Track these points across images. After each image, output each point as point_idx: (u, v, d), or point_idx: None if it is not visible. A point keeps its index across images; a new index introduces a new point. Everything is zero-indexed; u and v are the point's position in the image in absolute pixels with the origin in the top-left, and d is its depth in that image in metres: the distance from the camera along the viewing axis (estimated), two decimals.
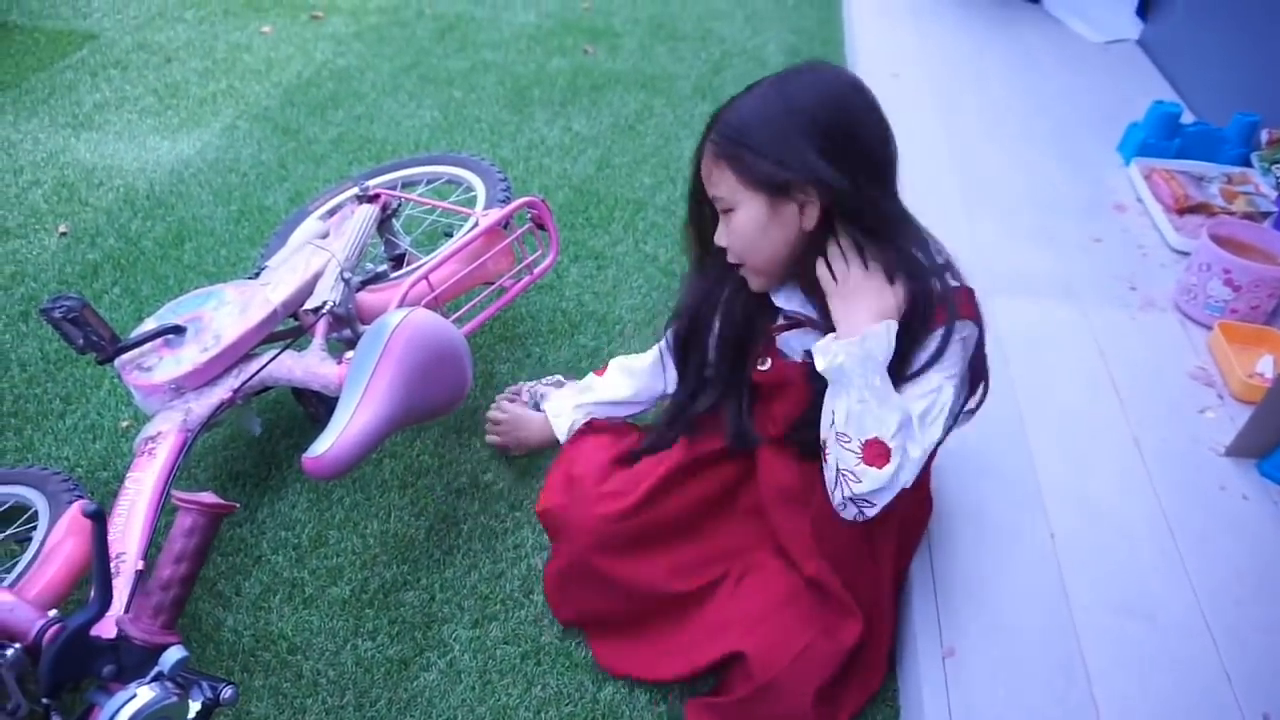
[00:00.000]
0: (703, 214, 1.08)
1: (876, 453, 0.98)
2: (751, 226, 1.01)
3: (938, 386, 1.00)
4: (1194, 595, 1.21)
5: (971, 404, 1.11)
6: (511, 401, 1.52)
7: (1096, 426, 1.47)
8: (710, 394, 1.21)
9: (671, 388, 1.30)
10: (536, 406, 1.50)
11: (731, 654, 1.11)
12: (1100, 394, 1.53)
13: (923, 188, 2.10)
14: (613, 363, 1.39)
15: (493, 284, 1.52)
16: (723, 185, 1.00)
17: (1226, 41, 2.36)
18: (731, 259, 1.06)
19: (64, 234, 2.03)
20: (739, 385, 1.18)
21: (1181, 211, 1.96)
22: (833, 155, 0.94)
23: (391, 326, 1.20)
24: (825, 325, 1.04)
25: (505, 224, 1.51)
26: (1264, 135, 1.92)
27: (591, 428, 1.35)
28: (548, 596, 1.28)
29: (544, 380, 1.57)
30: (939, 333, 0.99)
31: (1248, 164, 2.10)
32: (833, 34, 3.14)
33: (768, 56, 2.96)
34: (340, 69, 2.80)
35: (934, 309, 0.99)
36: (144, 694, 0.75)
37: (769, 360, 1.13)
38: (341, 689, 1.19)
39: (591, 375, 1.41)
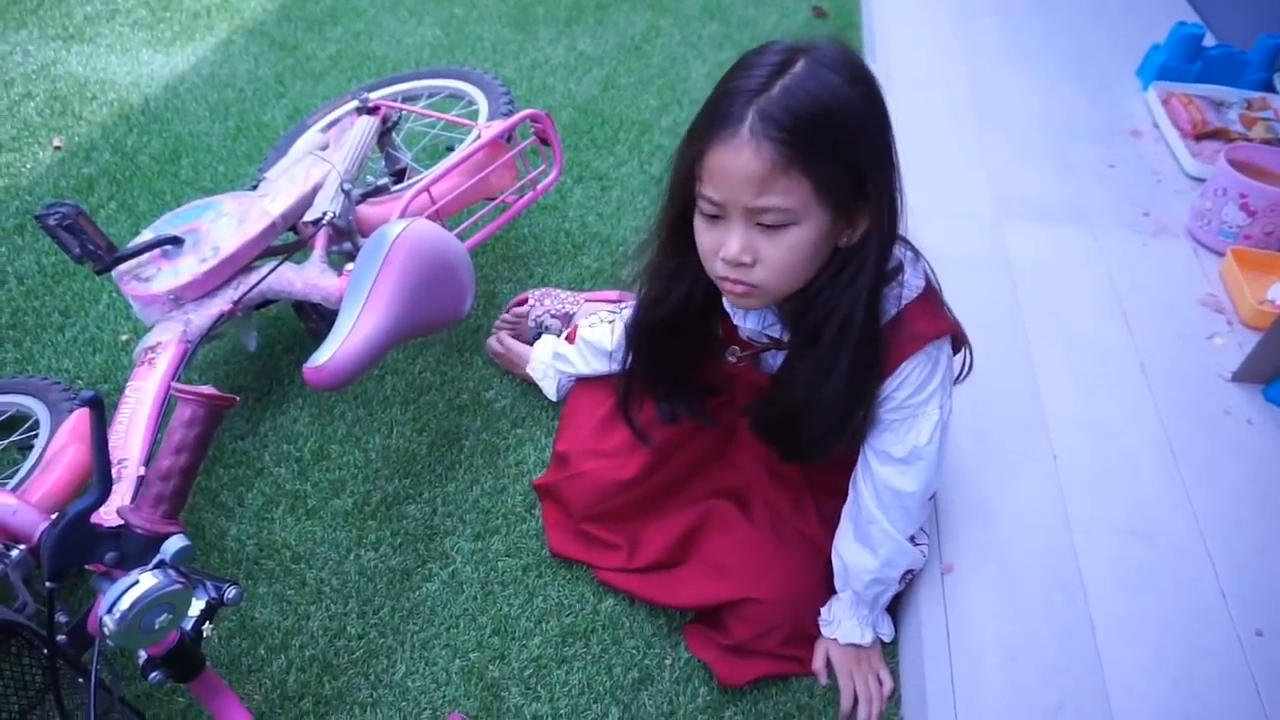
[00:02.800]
0: (686, 216, 0.90)
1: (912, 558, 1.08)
2: (808, 249, 0.85)
3: (934, 420, 0.98)
4: (1194, 518, 1.21)
5: (961, 372, 1.05)
6: (516, 322, 1.51)
7: (1103, 352, 1.46)
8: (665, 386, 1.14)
9: None
10: (539, 331, 1.49)
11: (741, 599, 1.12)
12: (1108, 320, 1.52)
13: (937, 107, 2.05)
14: (581, 334, 1.31)
15: (495, 199, 1.50)
16: (791, 195, 0.80)
17: None
18: (739, 277, 0.87)
19: (58, 148, 1.99)
20: (688, 378, 1.13)
21: (1199, 137, 1.91)
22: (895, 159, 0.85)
23: (392, 237, 1.18)
24: (793, 345, 0.98)
25: (509, 137, 1.47)
26: None
27: (585, 382, 1.34)
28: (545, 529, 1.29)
29: (548, 303, 1.53)
30: (921, 365, 0.95)
31: (1270, 88, 2.04)
32: None
33: None
34: None
35: (907, 341, 0.93)
36: (146, 580, 0.75)
37: (736, 351, 1.05)
38: (345, 597, 1.20)
39: (563, 340, 1.37)
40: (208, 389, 0.87)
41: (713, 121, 0.82)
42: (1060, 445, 1.30)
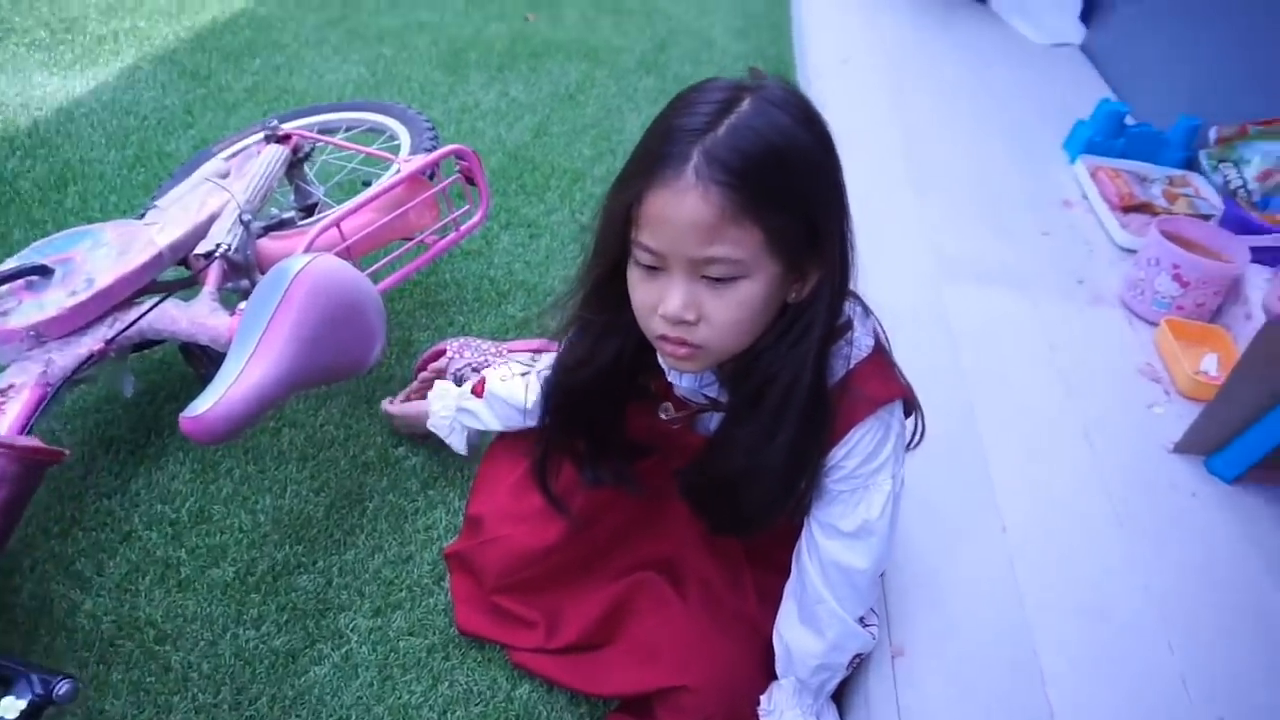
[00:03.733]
0: (618, 267, 0.81)
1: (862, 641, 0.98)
2: (757, 305, 0.76)
3: (886, 491, 0.90)
4: (1147, 595, 1.15)
5: (912, 439, 0.97)
6: (433, 377, 1.37)
7: (1047, 419, 1.41)
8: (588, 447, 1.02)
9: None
10: (458, 382, 1.36)
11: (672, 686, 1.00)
12: (1051, 387, 1.48)
13: (874, 171, 2.03)
14: (490, 388, 1.18)
15: (414, 239, 1.38)
16: (742, 246, 0.72)
17: (1168, 48, 2.36)
18: (681, 336, 0.78)
19: None
20: (613, 441, 1.02)
21: (1126, 209, 1.94)
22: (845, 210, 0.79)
23: (293, 272, 1.05)
24: (732, 407, 0.88)
25: (431, 174, 1.37)
26: (1213, 133, 1.91)
27: (505, 437, 1.23)
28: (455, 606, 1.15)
29: (468, 354, 1.40)
30: (872, 431, 0.87)
31: (1189, 167, 2.09)
32: (781, 17, 3.07)
33: (715, 37, 2.87)
34: (260, 17, 2.60)
35: (857, 405, 0.85)
36: None
37: (669, 409, 0.96)
38: (216, 684, 1.03)
39: (468, 392, 1.22)
40: (26, 440, 0.73)
41: (652, 163, 0.73)
42: (1009, 516, 1.24)
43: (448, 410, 1.24)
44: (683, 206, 0.71)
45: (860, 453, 0.87)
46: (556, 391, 0.97)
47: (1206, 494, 1.31)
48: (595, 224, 0.82)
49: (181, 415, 0.99)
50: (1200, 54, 2.21)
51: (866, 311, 0.88)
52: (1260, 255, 1.64)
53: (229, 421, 0.99)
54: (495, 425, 1.19)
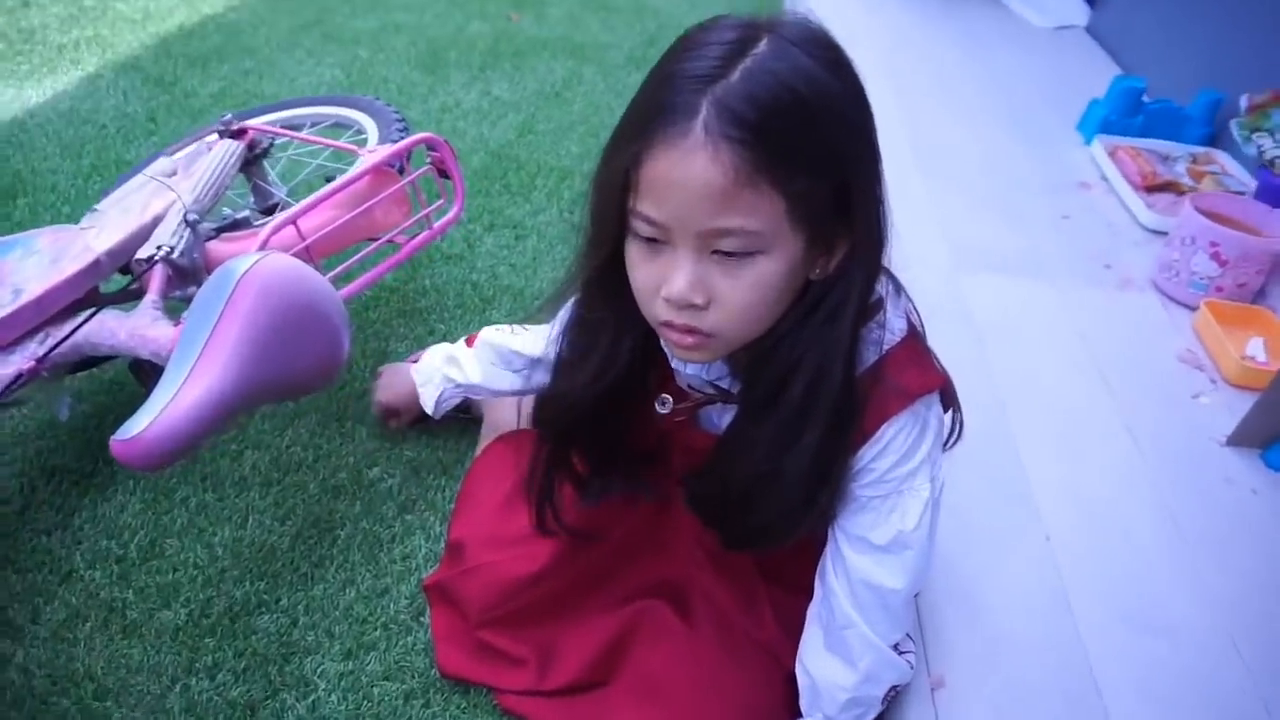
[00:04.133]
0: (618, 250, 0.70)
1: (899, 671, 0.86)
2: (775, 285, 0.65)
3: (924, 498, 0.78)
4: (1213, 606, 1.02)
5: (950, 437, 0.86)
6: None
7: (1085, 415, 1.29)
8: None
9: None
10: None
11: None
12: (1085, 380, 1.35)
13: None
14: (483, 335, 1.08)
15: (381, 238, 1.26)
16: (758, 215, 0.61)
17: (1182, 20, 2.25)
18: (688, 322, 0.67)
19: None
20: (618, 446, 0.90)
21: (1150, 189, 1.82)
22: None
23: (239, 273, 0.93)
24: (746, 401, 0.77)
25: (400, 168, 1.25)
26: (1244, 102, 1.79)
27: (489, 453, 1.12)
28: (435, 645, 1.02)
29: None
30: (906, 427, 0.75)
31: (1213, 143, 1.98)
32: (774, 8, 2.95)
33: None
34: (230, 23, 2.49)
35: (890, 397, 0.74)
36: None
37: (668, 401, 0.84)
38: None
39: (461, 344, 1.14)
40: None
41: (652, 116, 0.62)
42: (1051, 523, 1.11)
43: (437, 361, 1.15)
44: (690, 169, 0.60)
45: (894, 452, 0.75)
46: (554, 405, 0.85)
47: (1267, 490, 1.19)
48: (589, 199, 0.70)
49: (113, 438, 0.86)
50: (1217, 24, 2.09)
51: (898, 289, 0.76)
52: None
53: (167, 443, 0.86)
54: (479, 379, 1.10)
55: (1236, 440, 1.25)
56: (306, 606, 1.05)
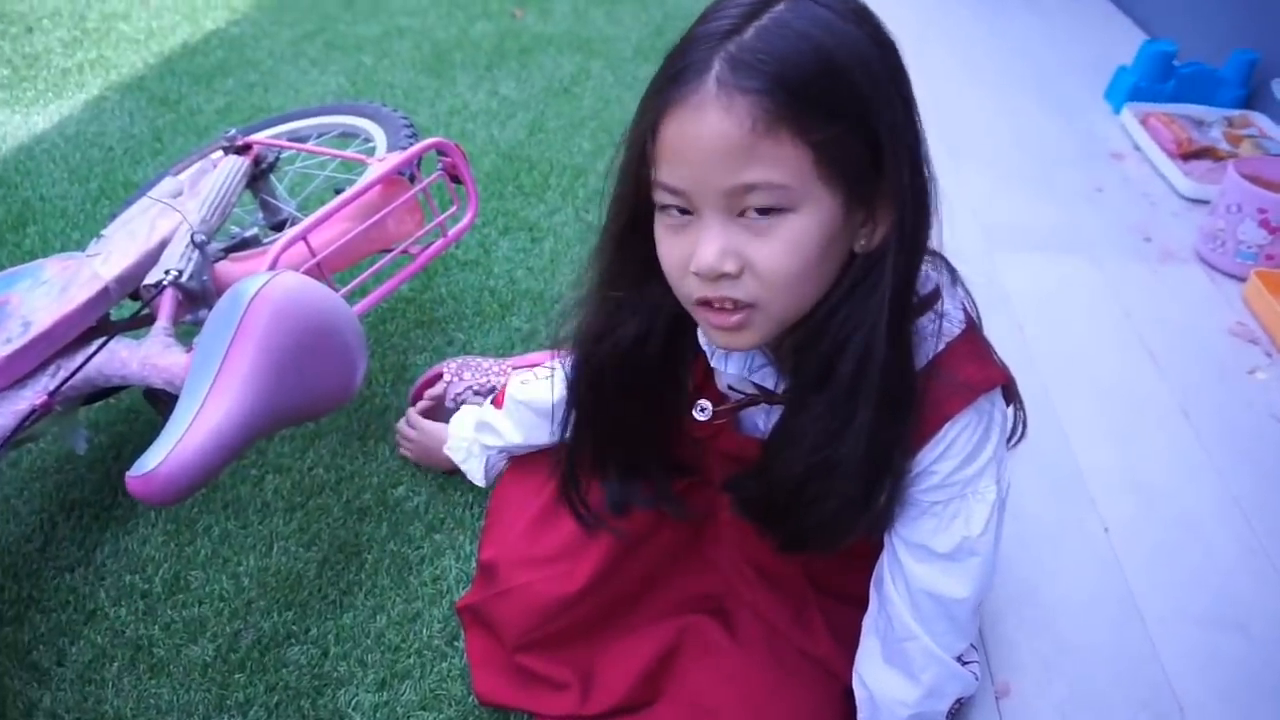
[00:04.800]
0: (639, 225, 0.66)
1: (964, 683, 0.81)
2: (814, 246, 0.60)
3: (990, 501, 0.73)
4: None
5: (1014, 434, 0.80)
6: (432, 405, 1.22)
7: (1135, 397, 1.23)
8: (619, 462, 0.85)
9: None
10: (458, 408, 1.20)
11: None
12: (1133, 358, 1.30)
13: None
14: (510, 393, 1.02)
15: (394, 250, 1.22)
16: (782, 166, 0.57)
17: None
18: (725, 295, 0.62)
19: None
20: (646, 448, 0.85)
21: (1186, 156, 1.75)
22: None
23: (249, 294, 0.89)
24: (793, 392, 0.72)
25: (411, 175, 1.21)
26: None
27: (516, 469, 1.06)
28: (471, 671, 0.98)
29: (468, 376, 1.24)
30: (970, 426, 0.70)
31: (1248, 105, 1.90)
32: None
33: None
34: (233, 37, 2.46)
35: (953, 394, 0.69)
36: None
37: (707, 408, 0.79)
38: None
39: (489, 406, 1.07)
40: None
41: (667, 79, 0.59)
42: (1109, 513, 1.06)
43: (467, 430, 1.08)
44: (703, 125, 0.57)
45: (957, 454, 0.70)
46: (578, 381, 0.79)
47: None
48: (612, 172, 0.67)
49: (128, 474, 0.83)
50: None
51: (954, 279, 0.71)
52: None
53: (183, 478, 0.83)
54: (518, 438, 1.02)
55: None
56: (337, 636, 1.01)
